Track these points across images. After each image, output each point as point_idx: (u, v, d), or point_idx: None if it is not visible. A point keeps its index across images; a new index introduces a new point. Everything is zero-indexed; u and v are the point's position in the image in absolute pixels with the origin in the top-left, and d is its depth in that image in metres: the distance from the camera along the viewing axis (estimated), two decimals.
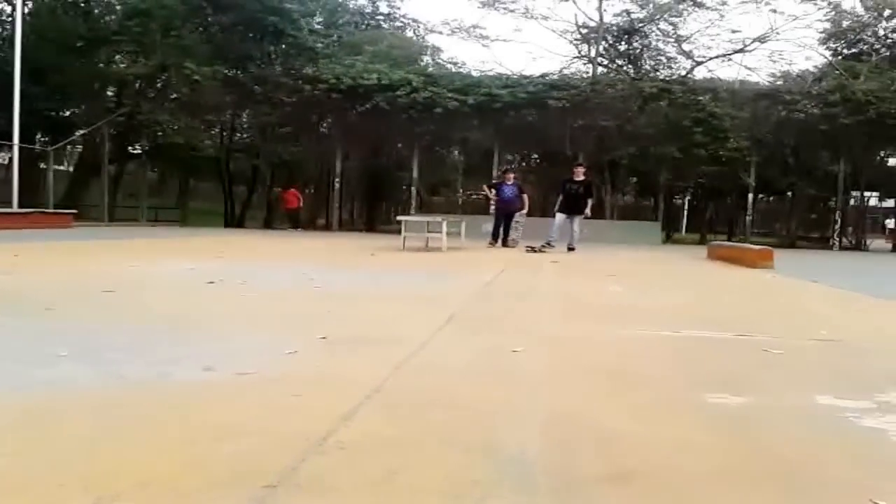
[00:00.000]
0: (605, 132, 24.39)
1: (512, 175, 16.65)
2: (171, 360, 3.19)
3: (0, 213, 18.22)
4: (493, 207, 16.36)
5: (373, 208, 34.29)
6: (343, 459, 1.99)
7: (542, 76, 25.89)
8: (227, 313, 4.71)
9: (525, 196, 16.32)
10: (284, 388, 2.77)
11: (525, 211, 16.22)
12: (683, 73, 28.92)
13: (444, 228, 13.26)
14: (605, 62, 30.48)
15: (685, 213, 38.54)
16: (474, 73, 27.99)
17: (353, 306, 5.25)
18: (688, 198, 35.72)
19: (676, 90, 24.72)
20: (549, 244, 14.25)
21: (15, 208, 19.33)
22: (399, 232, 13.76)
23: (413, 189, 27.11)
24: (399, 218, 14.69)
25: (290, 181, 28.71)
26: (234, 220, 29.79)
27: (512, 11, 30.01)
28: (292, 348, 3.45)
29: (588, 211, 14.75)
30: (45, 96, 24.59)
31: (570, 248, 14.57)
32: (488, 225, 17.02)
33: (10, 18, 22.89)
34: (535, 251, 13.74)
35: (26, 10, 22.56)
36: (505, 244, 15.63)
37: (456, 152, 31.78)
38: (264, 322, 4.39)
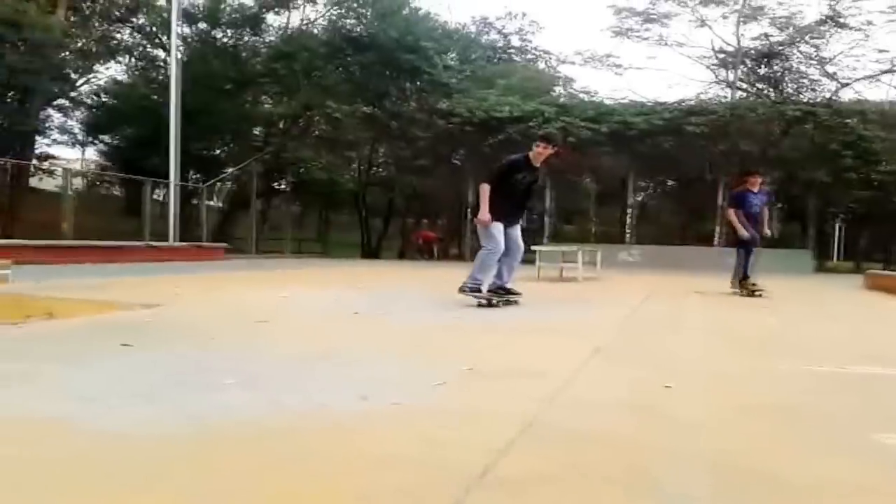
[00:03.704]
0: (748, 157, 23.51)
1: (759, 178, 10.90)
2: (327, 388, 3.29)
3: (160, 247, 19.49)
4: (742, 233, 10.25)
5: None
6: (505, 495, 1.98)
7: (679, 102, 25.36)
8: (374, 343, 4.81)
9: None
10: (438, 419, 2.79)
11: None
12: (828, 95, 27.58)
13: (580, 258, 13.10)
14: (745, 86, 29.52)
15: (836, 240, 36.43)
16: (608, 102, 27.73)
17: (494, 338, 5.24)
18: (840, 224, 33.78)
19: (821, 113, 23.56)
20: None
21: (172, 242, 20.63)
22: (532, 262, 13.71)
23: (545, 218, 27.01)
24: (533, 247, 14.64)
25: (424, 213, 29.28)
26: (370, 251, 30.62)
27: (646, 39, 29.69)
28: (440, 380, 3.48)
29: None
30: (197, 137, 26.23)
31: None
32: (625, 254, 16.29)
33: (165, 64, 24.59)
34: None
35: (180, 56, 24.16)
36: (750, 289, 10.33)
37: (588, 180, 31.49)
38: (410, 352, 4.45)
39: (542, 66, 34.71)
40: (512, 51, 34.41)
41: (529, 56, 34.63)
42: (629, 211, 26.44)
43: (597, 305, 8.38)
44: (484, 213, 7.16)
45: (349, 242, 33.47)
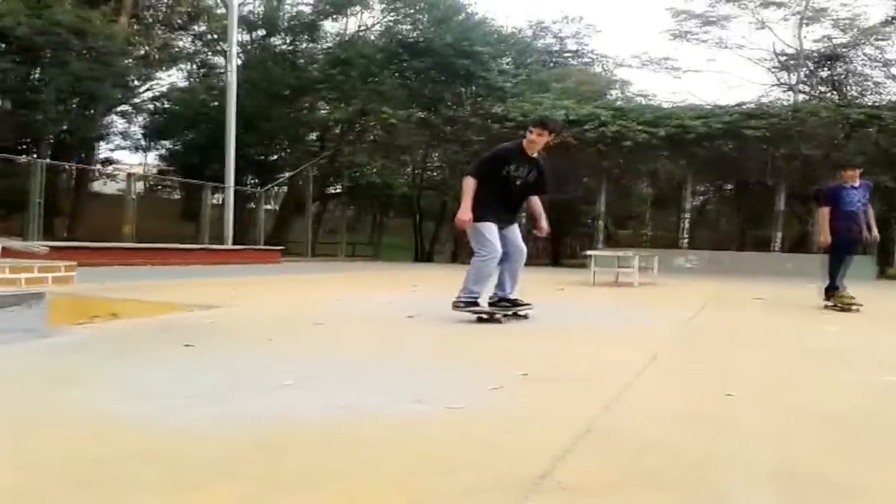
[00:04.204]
0: (809, 161, 22.96)
1: (857, 170, 9.09)
2: (383, 391, 3.31)
3: (217, 250, 19.86)
4: (825, 237, 8.92)
5: (557, 242, 34.16)
6: (564, 501, 1.96)
7: (738, 105, 24.90)
8: (429, 346, 4.82)
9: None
10: (495, 424, 2.78)
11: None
12: (893, 98, 26.79)
13: (636, 263, 12.94)
14: (807, 89, 28.85)
15: None
16: (665, 105, 27.39)
17: (549, 342, 5.21)
18: None
19: (886, 116, 22.87)
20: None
21: (230, 245, 21.00)
22: (585, 266, 13.58)
23: (600, 222, 26.77)
24: (588, 252, 14.52)
25: None
26: (422, 255, 30.73)
27: (704, 42, 29.25)
28: (496, 384, 3.47)
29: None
30: (254, 142, 26.69)
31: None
32: (682, 259, 15.91)
33: (225, 71, 25.10)
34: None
35: (239, 63, 24.62)
36: (845, 302, 8.82)
37: (644, 184, 31.13)
38: (465, 356, 4.45)
39: (598, 69, 34.46)
40: (568, 54, 34.23)
41: (585, 59, 34.41)
42: (686, 216, 26.03)
43: (654, 311, 8.26)
44: (464, 212, 6.01)
45: (402, 246, 33.68)
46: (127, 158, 33.93)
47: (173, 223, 26.21)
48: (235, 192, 22.28)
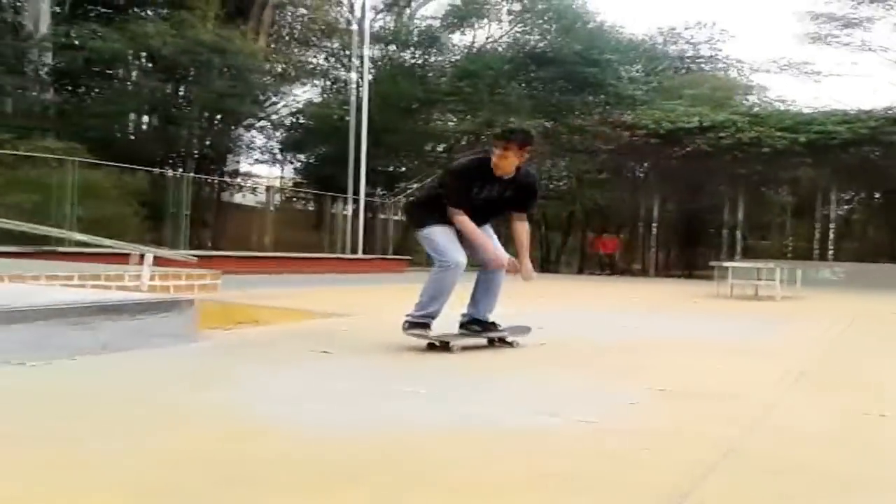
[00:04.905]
0: None
1: None
2: (515, 403, 3.30)
3: (348, 259, 20.45)
4: None
5: (691, 253, 33.14)
6: None
7: (886, 110, 23.38)
8: (560, 359, 4.77)
9: None
10: (631, 440, 2.71)
11: None
12: None
13: (778, 275, 12.35)
14: None
15: None
16: (805, 111, 26.07)
17: (686, 357, 5.05)
18: None
19: None
20: None
21: (359, 254, 21.57)
22: (721, 278, 13.09)
23: (737, 233, 25.79)
24: (725, 264, 13.99)
25: (605, 226, 28.79)
26: (548, 265, 30.51)
27: (846, 45, 27.70)
28: (631, 399, 3.39)
29: None
30: (383, 154, 27.29)
31: None
32: (827, 272, 14.88)
33: (355, 86, 25.80)
34: None
35: (370, 78, 25.27)
36: None
37: (783, 193, 29.74)
38: (597, 370, 4.37)
39: (733, 74, 33.21)
40: (701, 60, 33.19)
41: (720, 65, 33.25)
42: (830, 226, 24.68)
43: (798, 327, 7.86)
44: (495, 252, 4.95)
45: None
46: (265, 172, 35.33)
47: (307, 233, 27.13)
48: (364, 203, 22.84)
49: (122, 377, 3.68)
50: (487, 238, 4.84)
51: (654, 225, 26.71)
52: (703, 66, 32.85)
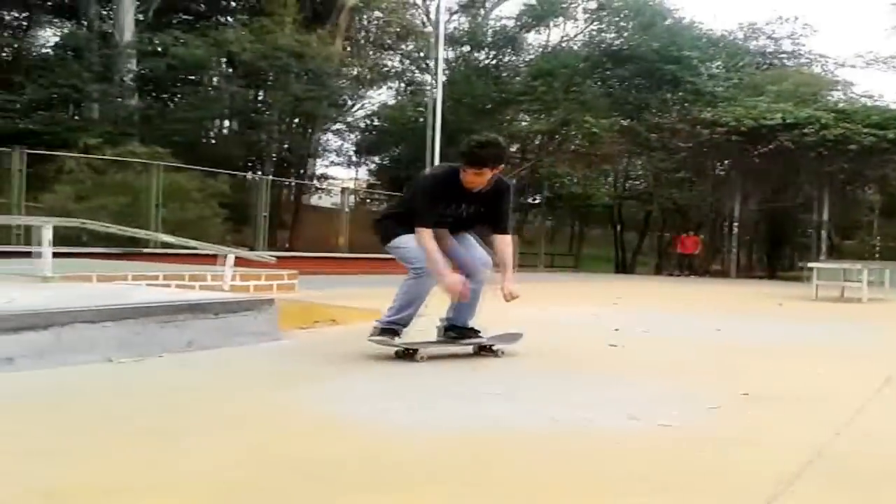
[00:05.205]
0: None
1: None
2: (593, 405, 3.26)
3: None
4: None
5: (773, 253, 32.21)
6: None
7: None
8: (638, 361, 4.70)
9: None
10: (714, 445, 2.66)
11: None
12: None
13: (865, 276, 11.89)
14: None
15: None
16: (894, 106, 25.03)
17: (770, 360, 4.90)
18: None
19: None
20: None
21: None
22: (806, 279, 12.66)
23: (822, 232, 24.93)
24: (810, 265, 13.53)
25: (683, 226, 28.19)
26: (624, 266, 30.09)
27: None
28: (713, 402, 3.31)
29: None
30: (456, 156, 27.37)
31: None
32: None
33: (431, 88, 25.96)
34: None
35: (444, 79, 25.38)
36: None
37: (871, 191, 28.63)
38: (678, 372, 4.29)
39: (816, 70, 32.10)
40: (783, 56, 32.20)
41: (802, 60, 32.18)
42: None
43: (886, 330, 7.55)
44: (446, 278, 4.32)
45: (602, 257, 33.16)
46: (340, 174, 35.85)
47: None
48: None
49: (208, 374, 3.80)
50: (440, 264, 4.31)
51: (735, 224, 26.00)
52: (784, 61, 31.89)
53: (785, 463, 2.39)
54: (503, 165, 4.43)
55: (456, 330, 4.62)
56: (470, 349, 4.63)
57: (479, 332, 4.65)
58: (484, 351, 4.64)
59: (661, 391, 3.65)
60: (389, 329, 4.40)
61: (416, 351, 4.37)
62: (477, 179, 4.28)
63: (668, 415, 3.03)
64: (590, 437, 2.71)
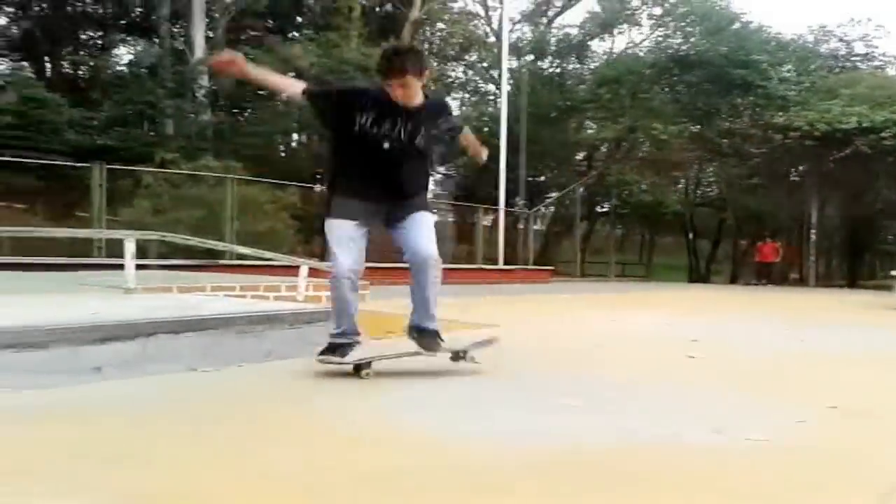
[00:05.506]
0: None
1: None
2: (676, 418, 3.19)
3: (490, 270, 20.54)
4: None
5: (854, 262, 31.18)
6: None
7: None
8: (718, 372, 4.58)
9: None
10: (803, 460, 2.57)
11: None
12: None
13: None
14: None
15: None
16: None
17: (859, 372, 4.73)
18: None
19: None
20: None
21: (501, 265, 21.60)
22: (890, 288, 12.19)
23: None
24: (894, 272, 13.03)
25: (759, 234, 27.50)
26: (697, 275, 29.51)
27: None
28: (799, 416, 3.20)
29: None
30: (524, 164, 27.32)
31: None
32: None
33: (495, 98, 25.99)
34: None
35: (509, 89, 25.36)
36: None
37: None
38: (760, 385, 4.16)
39: (892, 72, 30.98)
40: (856, 58, 31.19)
41: (877, 63, 31.10)
42: None
43: None
44: (233, 62, 3.83)
45: (674, 266, 32.61)
46: None
47: (449, 244, 27.50)
48: (506, 213, 22.90)
49: (285, 384, 3.86)
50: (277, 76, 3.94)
51: (813, 232, 25.24)
52: (858, 64, 30.88)
53: (878, 481, 2.33)
54: (427, 71, 3.94)
55: (419, 330, 4.15)
56: (435, 356, 4.14)
57: (442, 338, 4.18)
58: (454, 358, 4.22)
59: (748, 403, 3.55)
60: (338, 345, 3.97)
61: (359, 367, 3.92)
62: (405, 92, 3.78)
63: (752, 428, 2.93)
64: (674, 451, 2.64)
